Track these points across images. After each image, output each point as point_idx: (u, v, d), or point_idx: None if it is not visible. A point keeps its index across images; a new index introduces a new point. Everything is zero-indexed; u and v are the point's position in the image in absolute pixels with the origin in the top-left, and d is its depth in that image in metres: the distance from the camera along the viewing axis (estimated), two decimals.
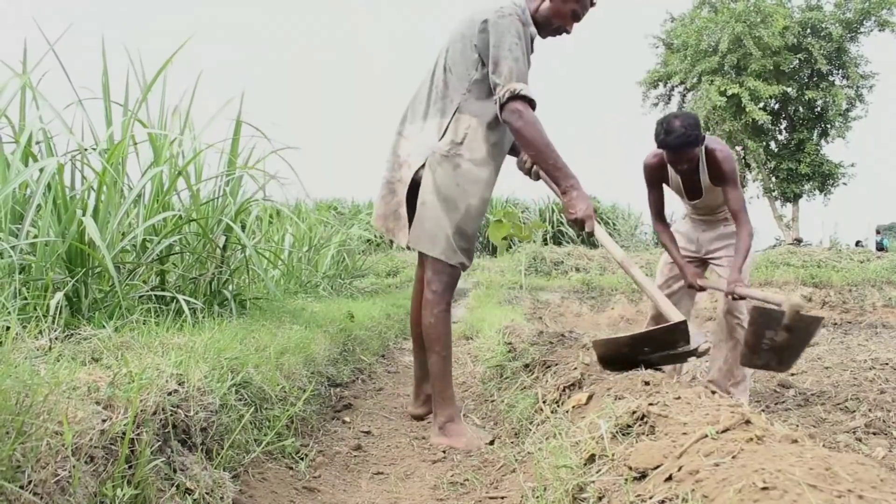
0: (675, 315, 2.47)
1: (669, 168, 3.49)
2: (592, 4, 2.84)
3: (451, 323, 2.82)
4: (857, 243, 22.21)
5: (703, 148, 3.37)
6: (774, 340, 2.82)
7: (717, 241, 3.72)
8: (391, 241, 2.98)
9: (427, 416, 3.14)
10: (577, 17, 2.82)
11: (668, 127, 3.20)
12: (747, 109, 20.88)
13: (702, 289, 3.57)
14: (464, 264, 2.77)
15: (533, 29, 2.73)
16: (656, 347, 2.42)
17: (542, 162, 2.60)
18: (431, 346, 2.78)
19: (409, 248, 2.81)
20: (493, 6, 2.65)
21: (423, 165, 2.69)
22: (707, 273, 3.89)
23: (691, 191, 3.57)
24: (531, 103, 2.53)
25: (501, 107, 2.54)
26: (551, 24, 2.80)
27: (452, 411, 2.79)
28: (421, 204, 2.70)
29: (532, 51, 2.74)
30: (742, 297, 3.29)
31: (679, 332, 2.37)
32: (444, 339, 2.76)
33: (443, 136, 2.68)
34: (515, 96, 2.50)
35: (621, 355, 2.44)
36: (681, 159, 3.27)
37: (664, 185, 3.66)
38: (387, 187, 2.82)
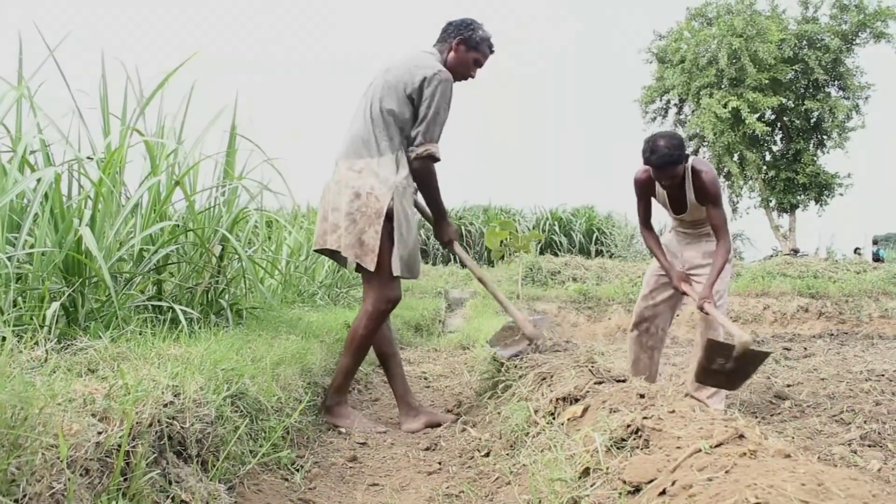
0: (528, 327, 3.38)
1: (657, 184, 3.72)
2: (492, 52, 3.33)
3: (374, 339, 3.26)
4: (856, 251, 22.25)
5: (689, 167, 3.61)
6: (724, 367, 3.30)
7: (700, 259, 3.89)
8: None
9: (422, 429, 3.27)
10: (479, 64, 3.32)
11: (653, 146, 3.47)
12: (747, 121, 20.96)
13: (683, 293, 3.77)
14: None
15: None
16: None
17: (431, 202, 3.31)
18: (354, 351, 3.19)
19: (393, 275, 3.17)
20: (430, 64, 3.10)
21: (392, 198, 3.08)
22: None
23: (677, 205, 3.79)
24: (437, 160, 3.15)
25: (417, 157, 3.10)
26: (458, 72, 3.26)
27: (342, 399, 3.24)
28: (399, 235, 3.09)
29: None
30: (707, 313, 3.61)
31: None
32: (365, 348, 3.23)
33: (398, 170, 3.12)
34: (432, 157, 3.11)
35: None
36: (664, 176, 3.54)
37: (652, 198, 3.89)
38: (348, 218, 3.09)
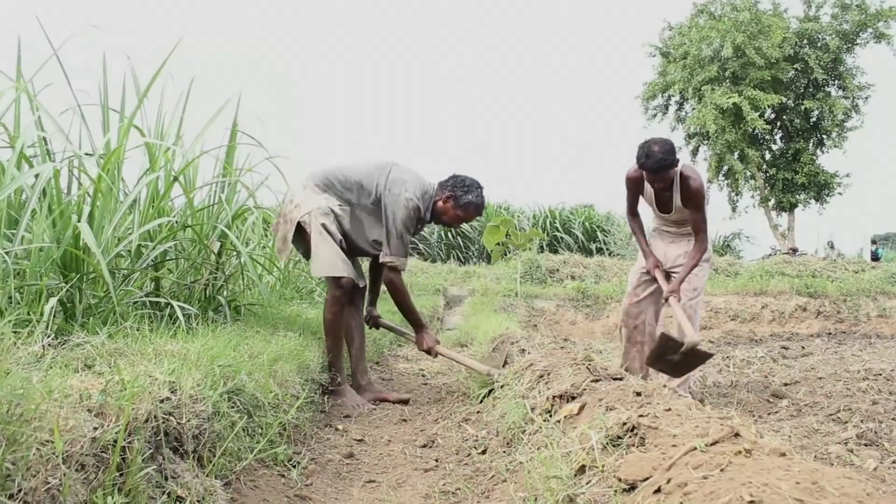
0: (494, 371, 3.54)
1: (647, 183, 3.99)
2: (478, 215, 3.81)
3: (342, 319, 3.73)
4: (829, 244, 22.31)
5: (678, 172, 3.87)
6: (672, 358, 3.68)
7: (683, 257, 4.17)
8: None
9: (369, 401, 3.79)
10: (460, 221, 3.81)
11: (648, 151, 3.71)
12: (747, 118, 20.94)
13: (655, 279, 4.17)
14: (351, 277, 3.66)
15: (427, 215, 3.72)
16: None
17: (403, 312, 3.82)
18: (328, 333, 3.69)
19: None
20: (405, 188, 3.60)
21: (310, 213, 3.58)
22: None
23: (663, 205, 4.10)
24: (401, 270, 3.65)
25: (384, 265, 3.66)
26: (441, 219, 3.77)
27: (341, 378, 3.70)
28: (315, 244, 3.57)
29: (424, 222, 3.78)
30: (670, 305, 3.98)
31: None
32: (338, 330, 3.71)
33: (326, 203, 3.62)
34: (392, 268, 3.62)
35: None
36: (658, 179, 3.79)
37: (640, 196, 4.20)
38: (281, 217, 3.72)
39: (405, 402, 3.82)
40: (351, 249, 3.73)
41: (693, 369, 3.86)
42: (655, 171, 3.71)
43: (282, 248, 3.74)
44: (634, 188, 4.12)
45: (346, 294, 3.68)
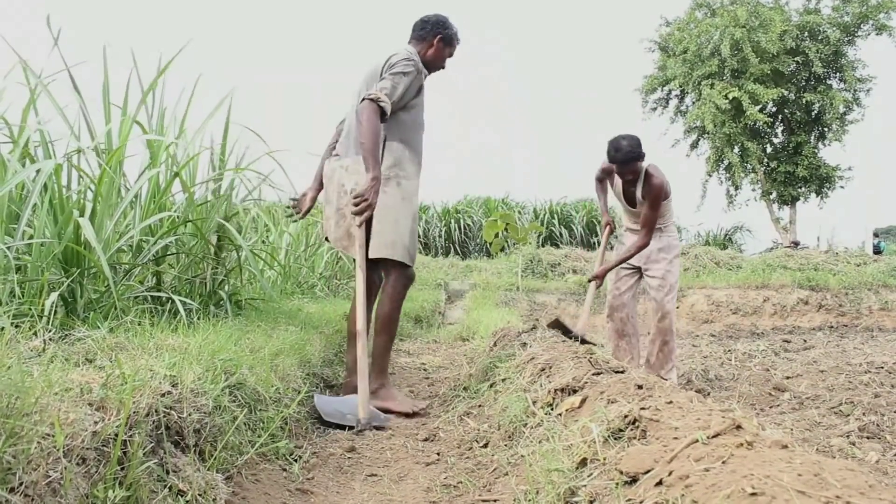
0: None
1: (616, 178, 4.43)
2: (458, 42, 3.65)
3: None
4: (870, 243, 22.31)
5: (645, 169, 4.26)
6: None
7: (655, 254, 4.49)
8: None
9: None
10: (451, 56, 3.66)
11: (616, 146, 4.13)
12: (747, 112, 20.89)
13: (634, 273, 4.61)
14: (413, 262, 3.43)
15: (425, 71, 3.51)
16: None
17: (365, 144, 3.13)
18: (385, 329, 3.43)
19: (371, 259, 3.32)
20: (400, 52, 3.38)
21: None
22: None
23: (629, 199, 4.47)
24: (381, 111, 3.17)
25: (363, 100, 3.17)
26: (434, 65, 3.59)
27: (384, 380, 3.46)
28: (377, 222, 3.28)
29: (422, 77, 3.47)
30: (591, 280, 4.53)
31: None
32: (395, 326, 3.49)
33: (381, 162, 3.24)
34: (373, 100, 3.14)
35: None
36: (626, 171, 4.20)
37: (609, 186, 4.68)
38: (338, 213, 3.38)
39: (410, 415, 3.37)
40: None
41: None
42: (624, 162, 4.12)
43: (348, 245, 3.35)
44: (606, 174, 4.60)
45: (412, 281, 3.50)
